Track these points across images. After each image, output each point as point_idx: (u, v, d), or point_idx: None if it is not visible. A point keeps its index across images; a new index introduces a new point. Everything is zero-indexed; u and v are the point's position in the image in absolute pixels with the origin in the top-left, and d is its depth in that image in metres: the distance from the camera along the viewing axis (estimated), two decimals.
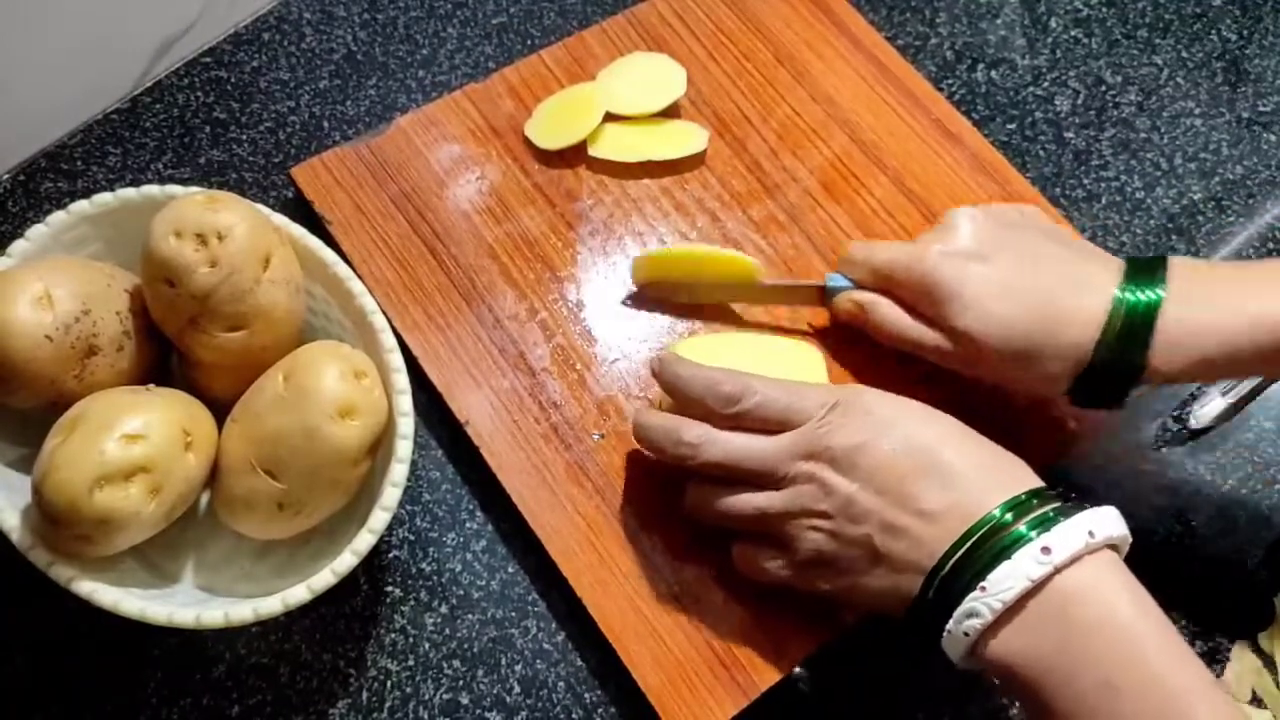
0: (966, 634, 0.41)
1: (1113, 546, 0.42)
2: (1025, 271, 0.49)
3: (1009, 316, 0.48)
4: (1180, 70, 0.72)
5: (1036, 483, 0.43)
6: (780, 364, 0.51)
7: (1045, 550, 0.40)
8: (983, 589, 0.40)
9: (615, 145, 0.61)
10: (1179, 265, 0.48)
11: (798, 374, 0.50)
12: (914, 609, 0.43)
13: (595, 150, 0.61)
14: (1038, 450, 0.56)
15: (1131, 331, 0.47)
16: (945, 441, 0.44)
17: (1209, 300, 0.47)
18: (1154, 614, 0.40)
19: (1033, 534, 0.40)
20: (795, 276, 0.59)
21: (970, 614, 0.40)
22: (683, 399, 0.48)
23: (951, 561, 0.41)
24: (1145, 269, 0.48)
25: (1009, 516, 0.41)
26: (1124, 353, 0.47)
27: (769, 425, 0.46)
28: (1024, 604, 0.40)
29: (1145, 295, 0.47)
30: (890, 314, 0.53)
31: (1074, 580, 0.40)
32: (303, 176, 0.58)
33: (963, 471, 0.43)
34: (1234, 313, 0.46)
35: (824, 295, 0.56)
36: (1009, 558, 0.40)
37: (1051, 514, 0.41)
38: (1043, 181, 0.66)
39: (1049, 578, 0.40)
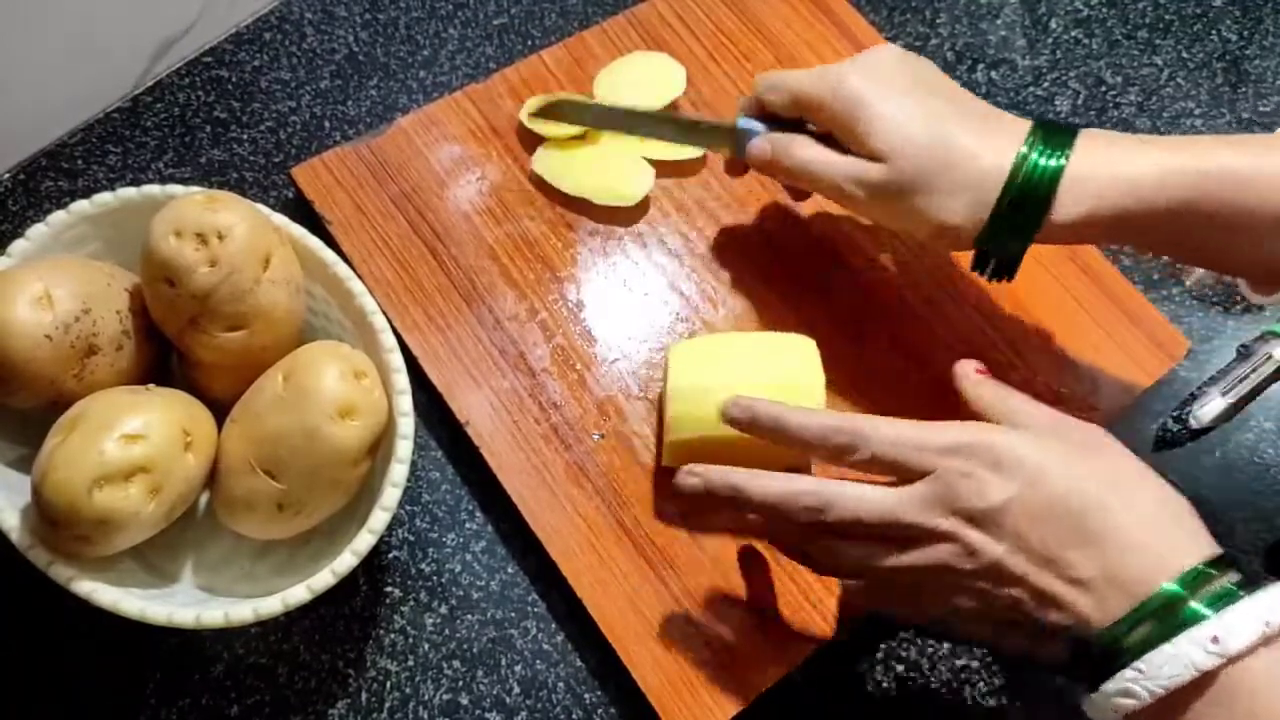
0: (1115, 710, 0.38)
1: None
2: (940, 106, 0.49)
3: (917, 139, 0.47)
4: (1181, 71, 0.72)
5: (1210, 544, 0.39)
6: (776, 361, 0.51)
7: (1215, 640, 0.35)
8: (1140, 671, 0.36)
9: (615, 144, 0.61)
10: (1090, 131, 0.48)
11: (794, 370, 0.50)
12: (1057, 667, 0.41)
13: (595, 149, 0.61)
14: None
15: (1035, 180, 0.46)
16: (1103, 492, 0.40)
17: (1115, 157, 0.47)
18: None
19: (1210, 613, 0.36)
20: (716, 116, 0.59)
21: (1124, 693, 0.37)
22: (787, 444, 0.45)
23: (1112, 637, 0.38)
24: (1056, 131, 0.48)
25: (1183, 591, 0.37)
26: (1024, 202, 0.46)
27: (884, 471, 0.43)
28: (1186, 693, 0.36)
29: (1053, 153, 0.46)
30: (805, 150, 0.51)
31: (1245, 672, 0.35)
32: (303, 176, 0.58)
33: (1126, 531, 0.39)
34: (1141, 166, 0.46)
35: (736, 141, 0.55)
36: (1171, 641, 0.36)
37: (1232, 588, 0.37)
38: None
39: (1217, 669, 0.36)
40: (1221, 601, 0.36)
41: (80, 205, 0.47)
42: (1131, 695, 0.37)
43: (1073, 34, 0.73)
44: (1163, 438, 0.59)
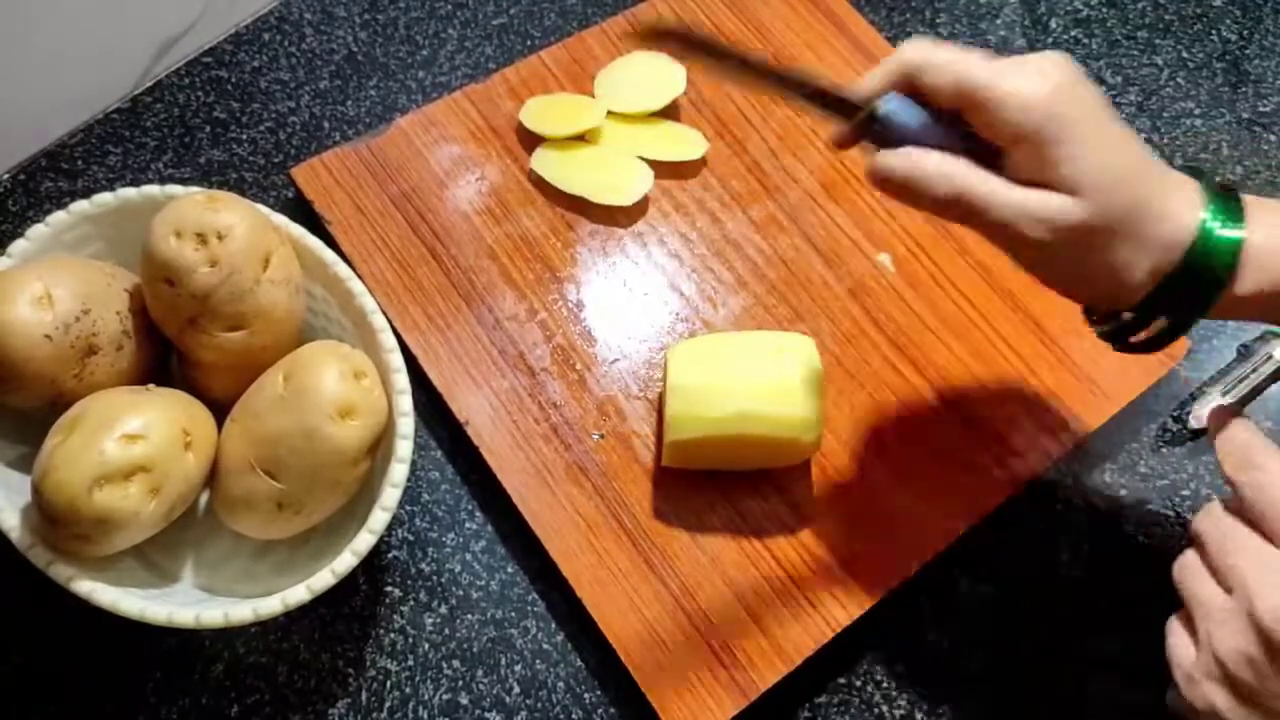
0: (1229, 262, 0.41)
1: None
2: (1136, 148, 0.43)
3: (1125, 179, 0.41)
4: (1180, 71, 0.72)
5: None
6: (776, 360, 0.51)
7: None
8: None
9: (615, 143, 0.61)
10: (1256, 200, 0.44)
11: (794, 369, 0.50)
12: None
13: (595, 149, 0.61)
14: (1029, 457, 0.56)
15: (1214, 251, 0.42)
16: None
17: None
18: None
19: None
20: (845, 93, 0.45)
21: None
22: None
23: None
24: (1228, 197, 0.43)
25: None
26: (1204, 273, 0.42)
27: None
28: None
29: (1229, 222, 0.42)
30: (969, 176, 0.42)
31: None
32: (303, 176, 0.58)
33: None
34: None
35: (867, 124, 0.44)
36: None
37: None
38: None
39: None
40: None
41: (80, 205, 0.47)
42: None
43: (1072, 34, 0.73)
44: (1163, 438, 0.59)
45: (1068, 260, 0.42)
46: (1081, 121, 0.41)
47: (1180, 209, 0.42)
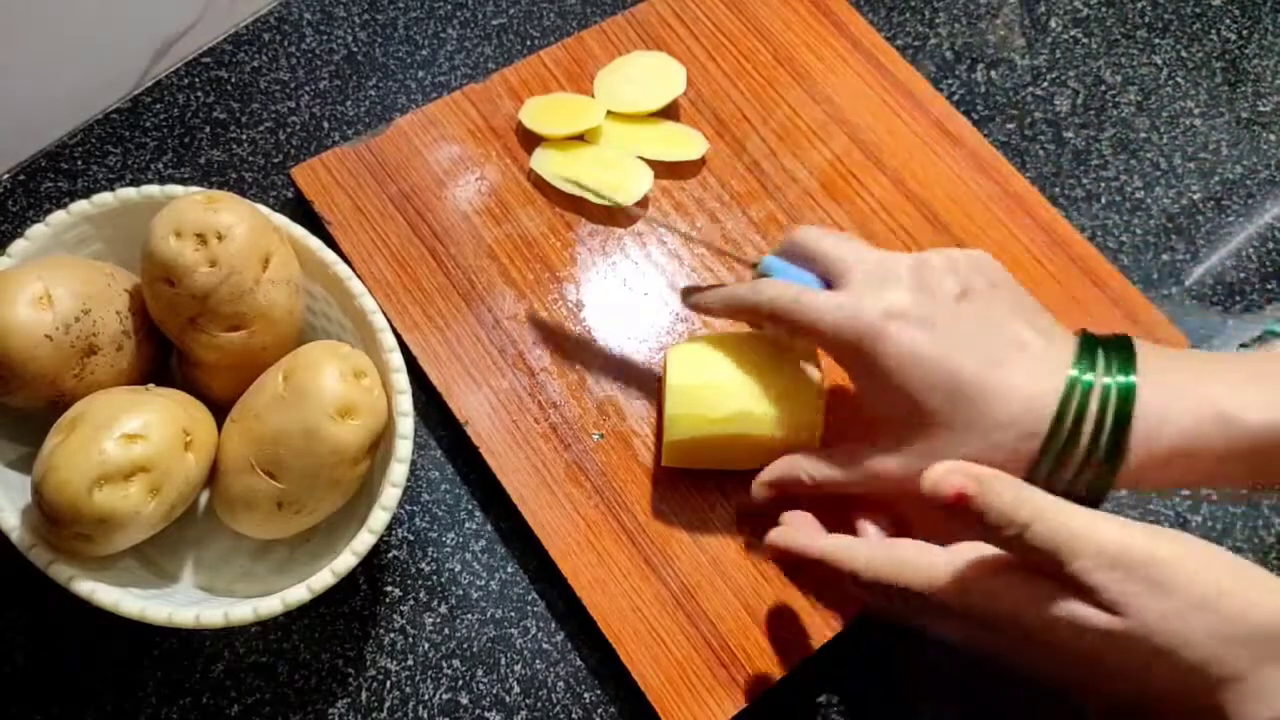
0: None
1: None
2: (962, 339, 0.43)
3: (934, 385, 0.42)
4: (1180, 70, 0.72)
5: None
6: (776, 361, 0.51)
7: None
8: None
9: (615, 143, 0.61)
10: (1148, 350, 0.43)
11: (793, 371, 0.50)
12: None
13: (594, 149, 0.61)
14: None
15: (1102, 415, 0.41)
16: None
17: (1179, 390, 0.41)
18: None
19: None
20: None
21: None
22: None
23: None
24: (1110, 347, 0.43)
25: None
26: (1094, 442, 0.41)
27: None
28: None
29: (1116, 377, 0.41)
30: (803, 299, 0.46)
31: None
32: (303, 176, 0.58)
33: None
34: (1202, 404, 0.41)
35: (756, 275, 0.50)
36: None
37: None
38: (1042, 181, 0.66)
39: None
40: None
41: (80, 205, 0.47)
42: None
43: (1072, 33, 0.73)
44: None
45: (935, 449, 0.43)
46: (903, 335, 0.43)
47: (1029, 385, 0.42)
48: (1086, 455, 0.41)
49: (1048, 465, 0.42)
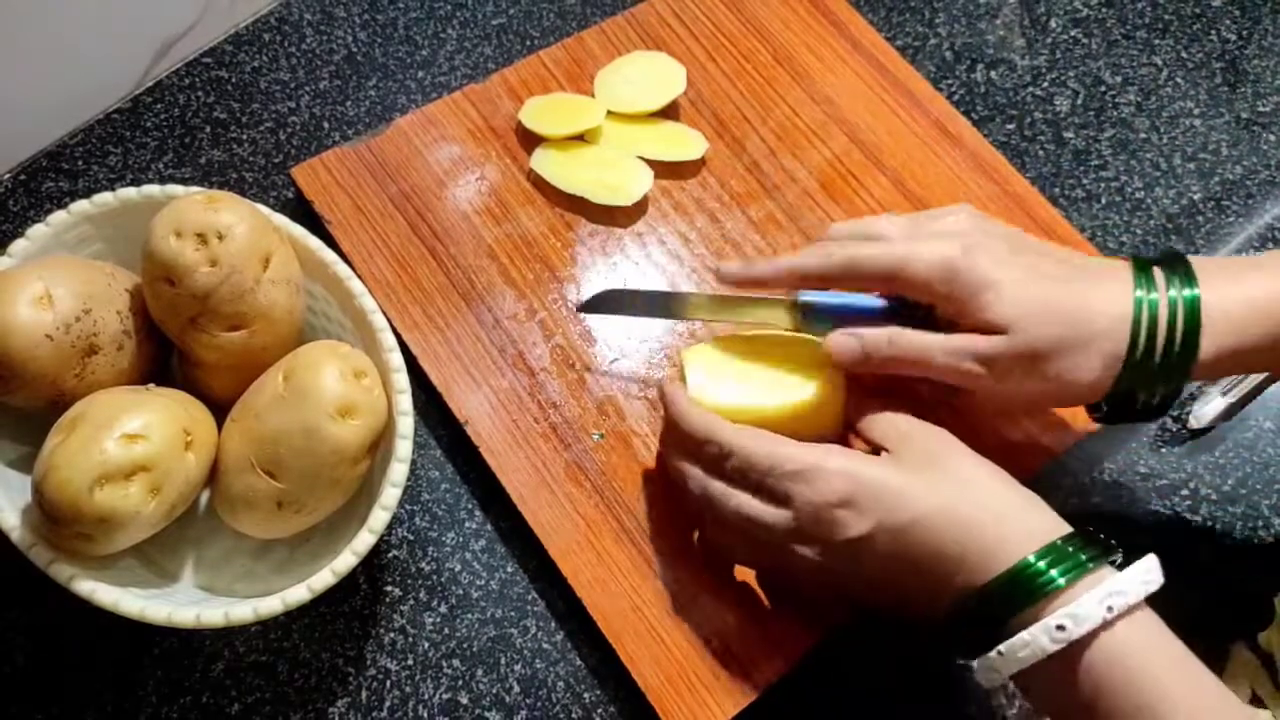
0: (988, 680, 0.42)
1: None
2: (1044, 260, 0.47)
3: (1043, 308, 0.45)
4: (1179, 70, 0.72)
5: (1061, 525, 0.43)
6: (788, 362, 0.51)
7: (1060, 628, 0.39)
8: (1000, 653, 0.41)
9: (615, 143, 0.61)
10: (1198, 261, 0.47)
11: (804, 371, 0.50)
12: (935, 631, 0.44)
13: (594, 149, 0.61)
14: (1028, 454, 0.56)
15: (1172, 322, 0.45)
16: (957, 502, 0.43)
17: (1244, 290, 0.46)
18: (1181, 669, 0.40)
19: (1062, 581, 0.40)
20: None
21: (991, 668, 0.41)
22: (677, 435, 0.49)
23: (978, 609, 0.42)
24: (1166, 267, 0.47)
25: (1039, 564, 0.41)
26: (1170, 344, 0.45)
27: (761, 487, 0.46)
28: (1042, 667, 0.40)
29: (1180, 291, 0.46)
30: (907, 340, 0.47)
31: (1090, 649, 0.40)
32: (303, 176, 0.59)
33: (984, 530, 0.42)
34: (1253, 298, 0.46)
35: (800, 316, 0.51)
36: (1028, 630, 0.40)
37: (1082, 560, 0.41)
38: (1042, 181, 0.66)
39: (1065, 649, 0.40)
40: (1074, 572, 0.40)
41: (81, 205, 0.47)
42: (995, 670, 0.41)
43: (1071, 34, 0.73)
44: (1163, 438, 0.59)
45: (1016, 382, 0.46)
46: (993, 268, 0.46)
47: (1115, 290, 0.46)
48: (1163, 361, 0.46)
49: (1129, 376, 0.46)
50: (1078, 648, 0.40)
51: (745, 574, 0.51)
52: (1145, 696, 0.39)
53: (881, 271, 0.48)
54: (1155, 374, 0.46)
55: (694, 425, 0.47)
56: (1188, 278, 0.46)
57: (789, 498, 0.44)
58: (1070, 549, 0.41)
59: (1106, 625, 0.40)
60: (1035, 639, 0.40)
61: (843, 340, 0.49)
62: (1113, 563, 0.42)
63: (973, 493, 0.44)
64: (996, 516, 0.43)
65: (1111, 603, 0.40)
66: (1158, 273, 0.47)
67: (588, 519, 0.52)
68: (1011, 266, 0.46)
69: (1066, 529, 0.43)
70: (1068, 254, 0.49)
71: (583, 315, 0.57)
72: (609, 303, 0.55)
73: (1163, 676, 0.40)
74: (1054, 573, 0.40)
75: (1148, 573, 0.41)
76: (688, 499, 0.49)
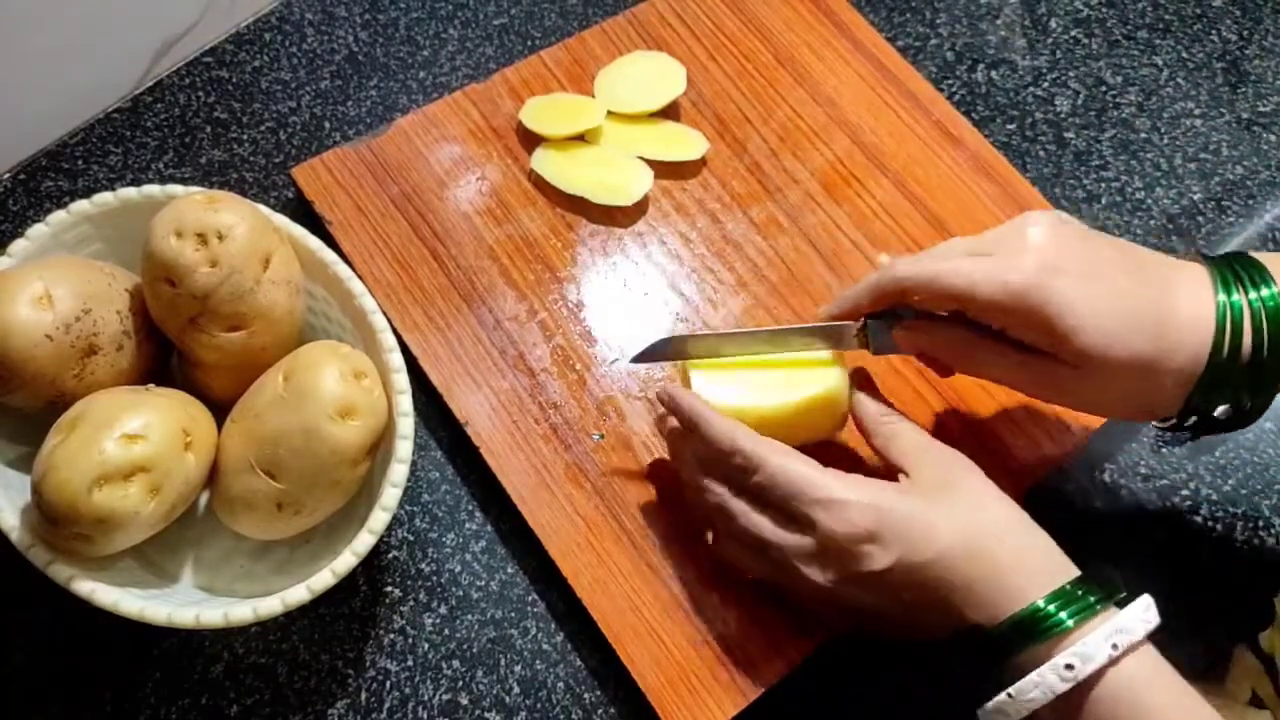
0: None
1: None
2: (1122, 280, 0.45)
3: (1126, 329, 0.43)
4: (1180, 71, 0.72)
5: (1070, 568, 0.43)
6: (791, 363, 0.51)
7: (1069, 667, 0.40)
8: (1010, 695, 0.41)
9: (615, 143, 0.61)
10: (1266, 257, 0.45)
11: (807, 371, 0.50)
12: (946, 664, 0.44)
13: (595, 149, 0.61)
14: (1030, 462, 0.56)
15: (1250, 330, 0.43)
16: (974, 541, 0.43)
17: None
18: (1181, 702, 0.40)
19: (1070, 622, 0.41)
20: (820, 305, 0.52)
21: (1000, 711, 0.41)
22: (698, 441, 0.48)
23: (990, 646, 0.42)
24: (1239, 266, 0.45)
25: (1049, 608, 0.42)
26: (1253, 354, 0.44)
27: (783, 508, 0.45)
28: (1051, 709, 0.40)
29: (1259, 292, 0.44)
30: (989, 356, 0.47)
31: (1098, 688, 0.40)
32: (303, 176, 0.58)
33: (1000, 570, 0.42)
34: None
35: (870, 339, 0.50)
36: (1037, 671, 0.40)
37: (1091, 602, 0.41)
38: (1043, 182, 0.66)
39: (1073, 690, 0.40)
40: (1082, 614, 0.41)
41: (81, 205, 0.47)
42: (1004, 713, 0.41)
43: (1072, 34, 0.73)
44: (1163, 438, 0.59)
45: (1092, 395, 0.46)
46: (1070, 287, 0.43)
47: (1195, 294, 0.44)
48: (1250, 367, 0.44)
49: (1208, 380, 0.44)
50: (1085, 686, 0.40)
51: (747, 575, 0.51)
52: None
53: (948, 298, 0.46)
54: (1236, 382, 0.44)
55: (718, 434, 0.46)
56: (1263, 276, 0.44)
57: (812, 525, 0.44)
58: (1079, 592, 0.41)
59: (1113, 662, 0.40)
60: (1045, 679, 0.40)
61: (907, 333, 0.49)
62: (1116, 602, 0.42)
63: (988, 524, 0.43)
64: (1013, 553, 0.43)
65: (1117, 640, 0.40)
66: (1234, 273, 0.45)
67: (588, 520, 0.52)
68: (1093, 276, 0.44)
69: (1075, 571, 0.43)
70: (1143, 255, 0.46)
71: (583, 314, 0.57)
72: (662, 353, 0.51)
73: (1169, 707, 0.40)
74: (1063, 615, 0.41)
75: (1146, 610, 0.41)
76: (699, 508, 0.48)
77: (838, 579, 0.44)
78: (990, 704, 0.42)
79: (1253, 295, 0.44)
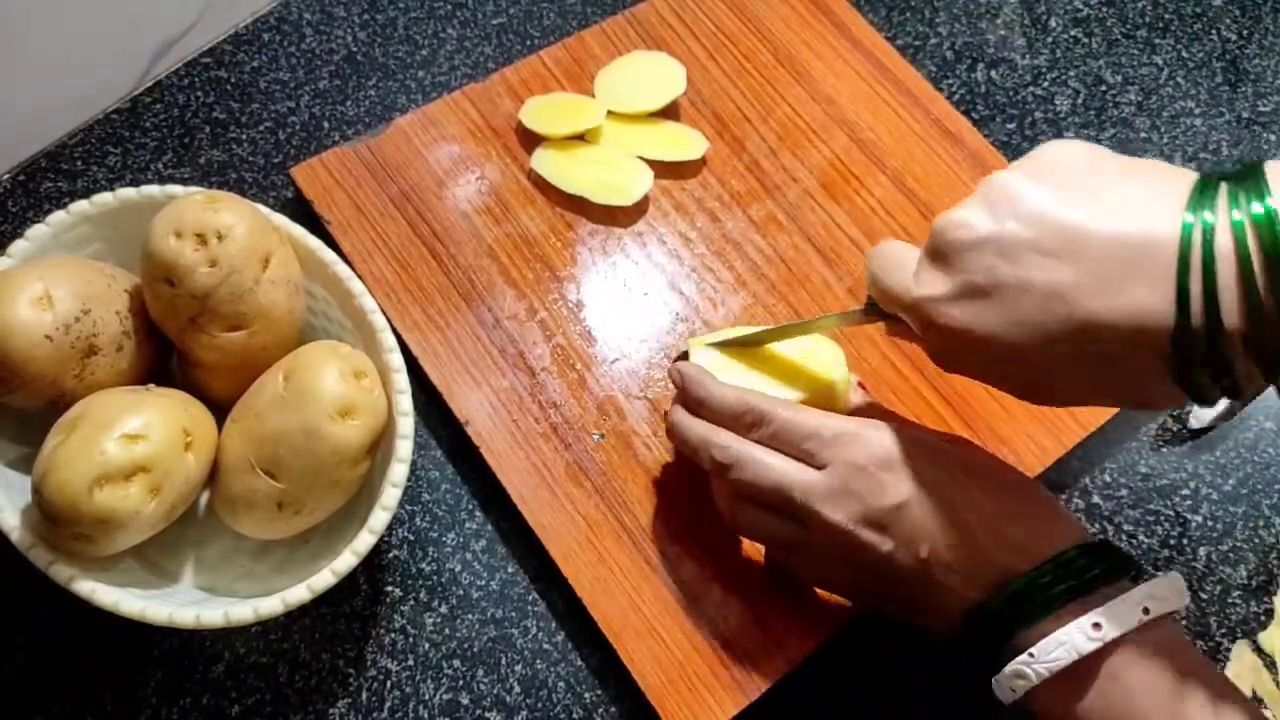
0: (1013, 689, 0.41)
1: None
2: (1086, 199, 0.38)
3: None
4: (1180, 70, 0.72)
5: (1083, 534, 0.43)
6: (793, 355, 0.51)
7: (1096, 626, 0.39)
8: (1031, 655, 0.40)
9: (615, 142, 0.61)
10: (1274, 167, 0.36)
11: (810, 364, 0.50)
12: (955, 641, 0.43)
13: (595, 149, 0.61)
14: (1029, 455, 0.56)
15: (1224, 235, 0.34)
16: (987, 496, 0.43)
17: None
18: (1204, 683, 0.39)
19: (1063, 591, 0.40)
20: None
21: (1018, 675, 0.40)
22: (707, 413, 0.48)
23: (990, 610, 0.42)
24: (1235, 179, 0.36)
25: (1051, 575, 0.41)
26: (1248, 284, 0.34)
27: (787, 452, 0.45)
28: (1072, 672, 0.40)
29: (1251, 208, 0.34)
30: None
31: (1122, 653, 0.39)
32: (302, 176, 0.58)
33: (1011, 527, 0.42)
34: None
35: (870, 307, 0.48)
36: (1063, 629, 0.39)
37: (1096, 572, 0.41)
38: None
39: (1099, 651, 0.39)
40: (1113, 571, 0.40)
41: (80, 205, 0.47)
42: (1024, 677, 0.40)
43: (1072, 33, 0.73)
44: (1163, 438, 0.59)
45: (1065, 392, 0.41)
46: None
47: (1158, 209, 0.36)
48: (1245, 302, 0.34)
49: (1183, 321, 0.35)
50: (1107, 650, 0.39)
51: (748, 574, 0.51)
52: (1170, 708, 0.39)
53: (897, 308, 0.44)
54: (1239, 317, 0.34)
55: (727, 398, 0.47)
56: (1257, 188, 0.34)
57: (829, 461, 0.44)
58: (1110, 551, 0.42)
59: (1143, 628, 0.39)
60: (1070, 638, 0.39)
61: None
62: (1134, 577, 0.41)
63: (1007, 468, 0.45)
64: (1045, 501, 0.44)
65: (1149, 604, 0.39)
66: (1222, 190, 0.35)
67: (588, 519, 0.52)
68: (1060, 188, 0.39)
69: (1088, 538, 0.43)
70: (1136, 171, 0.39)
71: (583, 314, 0.57)
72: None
73: (1196, 669, 0.39)
74: (1096, 570, 0.40)
75: (1179, 585, 0.41)
76: (712, 472, 0.47)
77: (856, 518, 0.43)
78: (1008, 668, 0.40)
79: (1237, 216, 0.34)
